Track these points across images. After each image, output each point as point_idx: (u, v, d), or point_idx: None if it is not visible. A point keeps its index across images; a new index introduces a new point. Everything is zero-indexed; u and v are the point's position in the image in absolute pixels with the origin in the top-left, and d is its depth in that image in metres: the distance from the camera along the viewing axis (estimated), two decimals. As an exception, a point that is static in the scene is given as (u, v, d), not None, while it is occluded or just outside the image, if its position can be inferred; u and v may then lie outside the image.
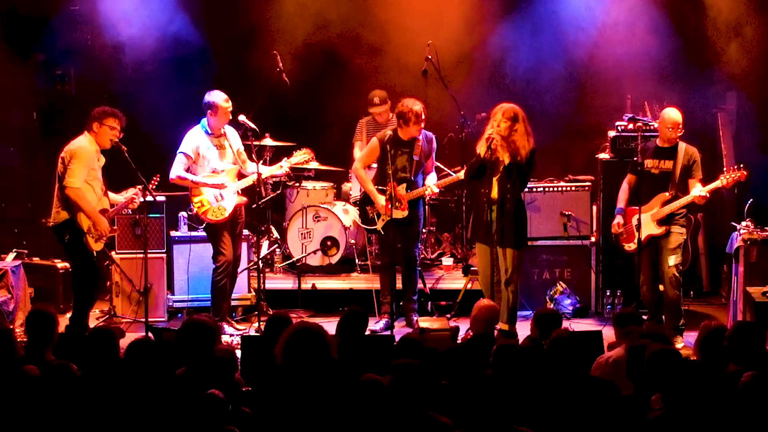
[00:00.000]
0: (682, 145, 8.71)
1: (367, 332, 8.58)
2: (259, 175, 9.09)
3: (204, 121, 9.04)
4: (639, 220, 8.69)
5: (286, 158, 9.35)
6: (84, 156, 8.36)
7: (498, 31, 11.23)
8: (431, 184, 9.08)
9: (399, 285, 9.30)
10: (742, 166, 8.61)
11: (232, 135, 9.23)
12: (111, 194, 8.76)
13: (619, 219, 8.92)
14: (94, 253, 8.54)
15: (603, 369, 6.07)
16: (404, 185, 9.01)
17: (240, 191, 9.15)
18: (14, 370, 5.41)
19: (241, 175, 9.21)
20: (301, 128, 11.35)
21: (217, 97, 8.96)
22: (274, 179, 10.05)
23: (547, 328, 6.53)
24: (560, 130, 11.12)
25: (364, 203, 9.36)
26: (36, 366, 5.47)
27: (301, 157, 9.32)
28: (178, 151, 9.02)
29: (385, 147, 8.94)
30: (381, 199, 9.06)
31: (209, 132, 9.05)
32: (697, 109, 10.46)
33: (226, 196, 9.04)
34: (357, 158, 9.64)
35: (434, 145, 9.16)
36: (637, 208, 8.77)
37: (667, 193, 8.66)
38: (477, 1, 11.25)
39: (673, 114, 8.71)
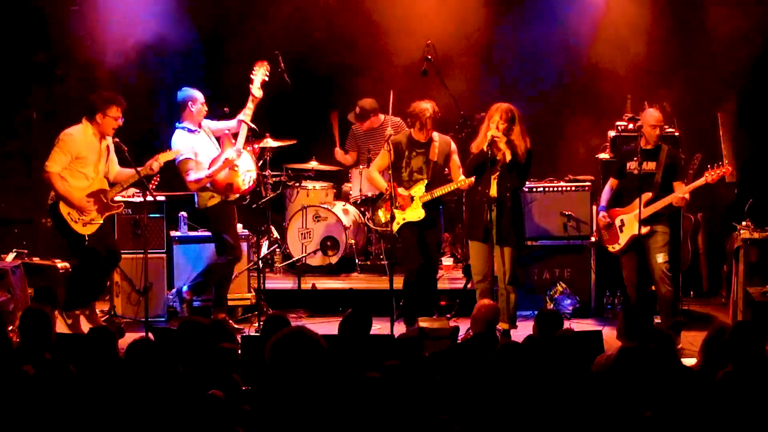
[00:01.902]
0: (664, 147, 8.74)
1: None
2: (259, 174, 9.09)
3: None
4: (639, 219, 8.69)
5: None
6: (68, 143, 8.41)
7: (498, 32, 11.25)
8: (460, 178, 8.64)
9: (398, 285, 9.27)
10: (726, 162, 8.62)
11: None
12: (122, 169, 8.72)
13: (604, 213, 8.93)
14: (86, 237, 8.50)
15: (601, 368, 6.06)
16: (421, 186, 8.79)
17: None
18: (11, 369, 5.41)
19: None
20: (302, 128, 11.36)
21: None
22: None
23: (549, 328, 6.53)
24: (560, 130, 11.14)
25: (377, 206, 9.18)
26: (32, 365, 5.47)
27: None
28: None
29: (399, 150, 8.79)
30: (401, 191, 8.77)
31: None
32: (697, 109, 10.46)
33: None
34: (372, 163, 9.42)
35: (452, 147, 8.96)
36: (619, 209, 8.85)
37: (650, 194, 8.66)
38: (476, 2, 11.26)
39: (655, 113, 8.80)
